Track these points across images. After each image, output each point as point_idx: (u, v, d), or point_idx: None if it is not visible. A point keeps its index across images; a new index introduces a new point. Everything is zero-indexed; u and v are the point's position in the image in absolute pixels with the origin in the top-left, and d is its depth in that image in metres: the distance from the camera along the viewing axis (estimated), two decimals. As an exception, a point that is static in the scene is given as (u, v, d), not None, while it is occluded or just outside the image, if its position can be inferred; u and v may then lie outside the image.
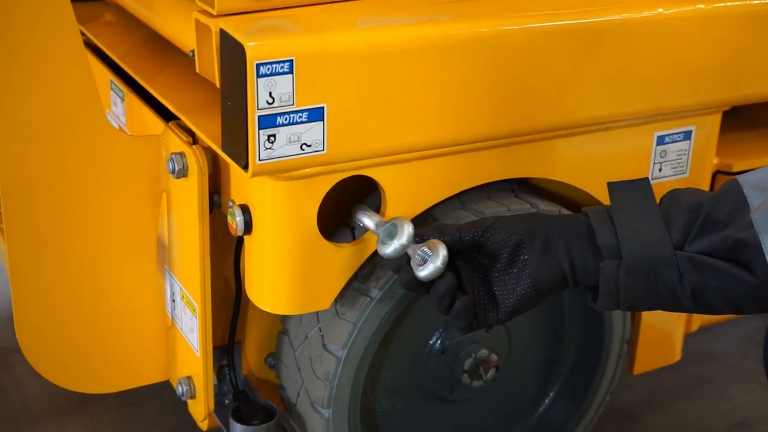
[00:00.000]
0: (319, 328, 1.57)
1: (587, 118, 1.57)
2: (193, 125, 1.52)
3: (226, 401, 1.72)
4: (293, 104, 1.30)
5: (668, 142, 1.69)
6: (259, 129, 1.29)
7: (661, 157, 1.69)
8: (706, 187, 1.77)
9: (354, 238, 1.51)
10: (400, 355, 1.64)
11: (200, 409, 1.68)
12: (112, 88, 1.86)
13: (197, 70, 1.44)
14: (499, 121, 1.47)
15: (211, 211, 1.55)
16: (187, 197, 1.56)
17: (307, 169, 1.37)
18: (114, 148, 1.58)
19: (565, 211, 1.62)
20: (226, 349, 1.69)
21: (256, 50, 1.25)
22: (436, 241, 1.24)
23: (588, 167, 1.62)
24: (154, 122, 1.66)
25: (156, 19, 1.70)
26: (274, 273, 1.46)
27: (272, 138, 1.30)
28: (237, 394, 1.69)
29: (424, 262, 1.22)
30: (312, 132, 1.33)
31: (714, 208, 1.19)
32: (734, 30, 1.62)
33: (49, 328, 1.64)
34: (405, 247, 1.26)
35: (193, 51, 1.44)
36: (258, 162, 1.31)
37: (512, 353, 1.74)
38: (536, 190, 1.67)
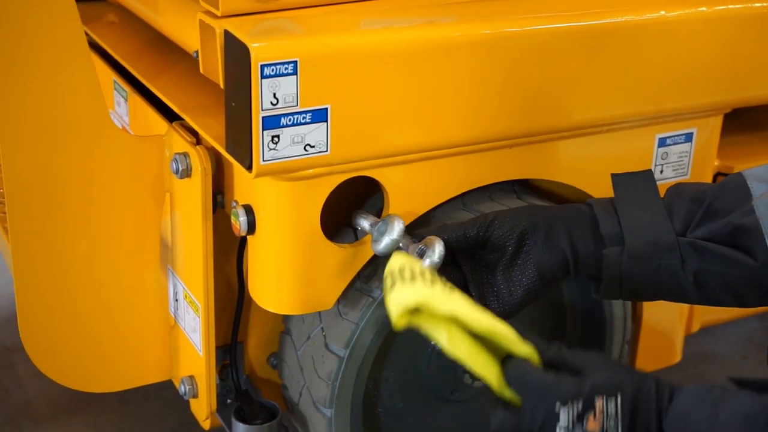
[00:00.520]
0: (322, 328, 1.57)
1: (589, 119, 1.57)
2: (197, 125, 1.52)
3: (229, 401, 1.73)
4: (297, 105, 1.30)
5: (670, 144, 1.69)
6: (263, 130, 1.29)
7: (662, 158, 1.69)
8: (707, 188, 1.78)
9: (357, 239, 1.51)
10: (401, 355, 1.65)
11: (203, 408, 1.68)
12: (115, 88, 1.87)
13: (201, 71, 1.45)
14: (501, 122, 1.48)
15: (214, 212, 1.56)
16: (191, 197, 1.56)
17: (311, 170, 1.38)
18: (117, 148, 1.58)
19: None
20: (228, 348, 1.69)
21: (260, 51, 1.26)
22: (432, 237, 1.25)
23: (590, 169, 1.63)
24: (157, 122, 1.67)
25: (160, 20, 1.71)
26: (277, 273, 1.46)
27: (276, 139, 1.31)
28: (239, 393, 1.69)
29: (422, 257, 1.23)
30: (316, 133, 1.33)
31: (716, 197, 1.20)
32: (736, 33, 1.62)
33: (52, 327, 1.64)
34: (396, 242, 1.28)
35: (197, 51, 1.45)
36: (262, 162, 1.31)
37: (513, 354, 1.74)
38: (538, 192, 1.68)
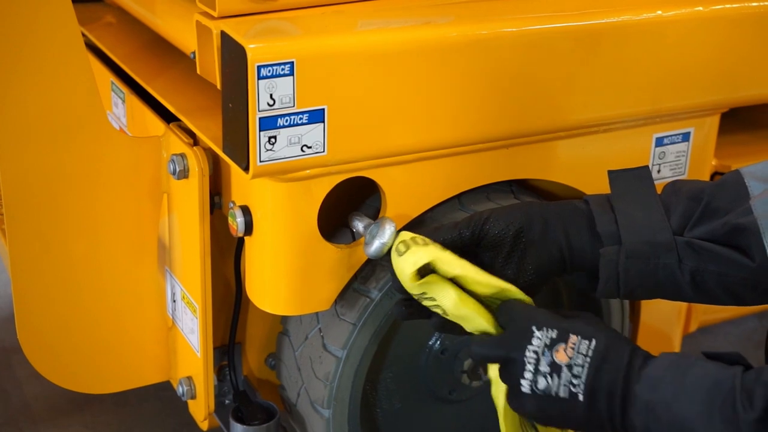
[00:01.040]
0: (319, 328, 1.57)
1: (586, 119, 1.57)
2: (194, 126, 1.52)
3: (227, 401, 1.73)
4: (294, 106, 1.30)
5: (667, 144, 1.69)
6: (260, 130, 1.29)
7: (659, 158, 1.70)
8: (704, 188, 1.78)
9: (354, 240, 1.51)
10: (399, 355, 1.65)
11: (201, 409, 1.68)
12: (113, 90, 1.87)
13: (198, 72, 1.45)
14: (498, 122, 1.48)
15: (211, 212, 1.56)
16: (188, 198, 1.56)
17: (308, 171, 1.38)
18: (115, 150, 1.58)
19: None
20: (226, 349, 1.69)
21: (257, 52, 1.26)
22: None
23: (587, 169, 1.63)
24: (154, 123, 1.67)
25: (157, 21, 1.71)
26: (275, 274, 1.46)
27: (273, 139, 1.31)
28: (237, 394, 1.69)
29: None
30: (313, 134, 1.33)
31: (715, 196, 1.20)
32: (732, 32, 1.62)
33: (50, 328, 1.64)
34: (387, 246, 1.28)
35: (194, 53, 1.45)
36: (259, 163, 1.31)
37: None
38: (536, 192, 1.68)
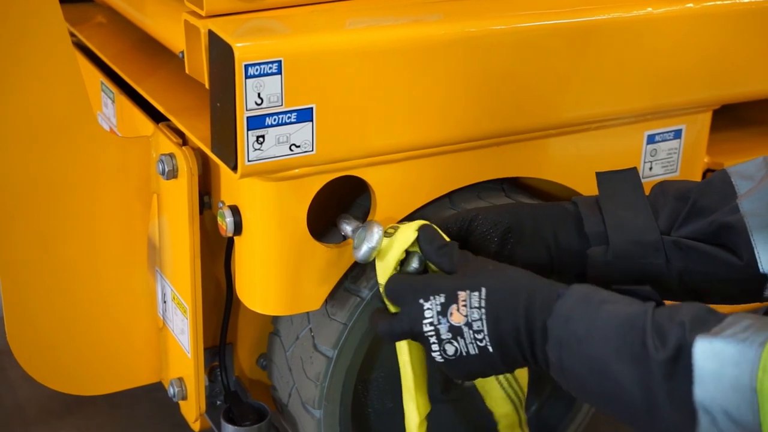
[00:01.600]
0: (310, 328, 1.57)
1: (577, 117, 1.57)
2: (183, 126, 1.52)
3: (218, 402, 1.72)
4: (282, 105, 1.30)
5: (658, 141, 1.69)
6: (248, 130, 1.29)
7: (651, 155, 1.69)
8: (696, 185, 1.78)
9: (344, 239, 1.50)
10: (391, 355, 1.64)
11: (192, 410, 1.68)
12: (102, 90, 1.86)
13: (187, 71, 1.44)
14: (488, 120, 1.47)
15: (201, 212, 1.55)
16: (177, 198, 1.56)
17: (297, 170, 1.37)
18: (104, 150, 1.58)
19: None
20: (217, 350, 1.69)
21: (244, 51, 1.25)
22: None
23: (578, 166, 1.62)
24: (144, 124, 1.66)
25: (146, 21, 1.70)
26: (264, 274, 1.46)
27: (261, 139, 1.30)
28: (228, 395, 1.69)
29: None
30: (301, 132, 1.33)
31: (701, 195, 1.20)
32: (724, 29, 1.62)
33: (40, 330, 1.64)
34: (374, 249, 1.28)
35: (182, 52, 1.44)
36: (247, 163, 1.30)
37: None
38: (527, 190, 1.67)
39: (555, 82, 1.50)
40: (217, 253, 1.63)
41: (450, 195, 1.55)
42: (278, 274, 1.45)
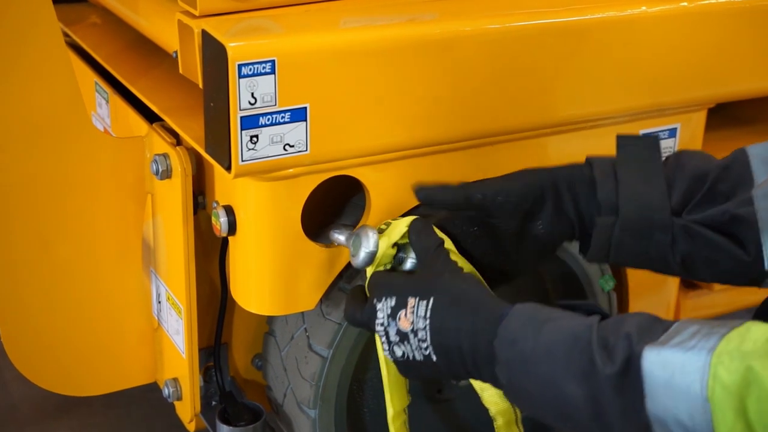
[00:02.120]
0: (305, 328, 1.57)
1: (572, 116, 1.57)
2: (177, 126, 1.52)
3: (213, 402, 1.72)
4: (276, 105, 1.29)
5: (653, 140, 1.69)
6: (242, 130, 1.29)
7: (646, 154, 1.69)
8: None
9: (339, 239, 1.50)
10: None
11: (187, 410, 1.68)
12: (97, 90, 1.86)
13: (180, 71, 1.44)
14: (482, 120, 1.47)
15: (195, 213, 1.55)
16: (172, 198, 1.55)
17: (291, 170, 1.37)
18: (98, 150, 1.57)
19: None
20: (212, 350, 1.68)
21: (237, 51, 1.25)
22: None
23: (573, 165, 1.62)
24: (138, 124, 1.66)
25: (140, 21, 1.70)
26: (259, 274, 1.45)
27: (255, 138, 1.30)
28: (223, 395, 1.69)
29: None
30: (295, 132, 1.32)
31: (719, 179, 1.20)
32: (719, 27, 1.62)
33: (34, 331, 1.63)
34: (373, 254, 1.28)
35: (176, 52, 1.44)
36: (241, 163, 1.30)
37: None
38: (522, 189, 1.67)
39: (549, 81, 1.50)
40: (211, 254, 1.63)
41: (445, 194, 1.55)
42: (273, 274, 1.44)
